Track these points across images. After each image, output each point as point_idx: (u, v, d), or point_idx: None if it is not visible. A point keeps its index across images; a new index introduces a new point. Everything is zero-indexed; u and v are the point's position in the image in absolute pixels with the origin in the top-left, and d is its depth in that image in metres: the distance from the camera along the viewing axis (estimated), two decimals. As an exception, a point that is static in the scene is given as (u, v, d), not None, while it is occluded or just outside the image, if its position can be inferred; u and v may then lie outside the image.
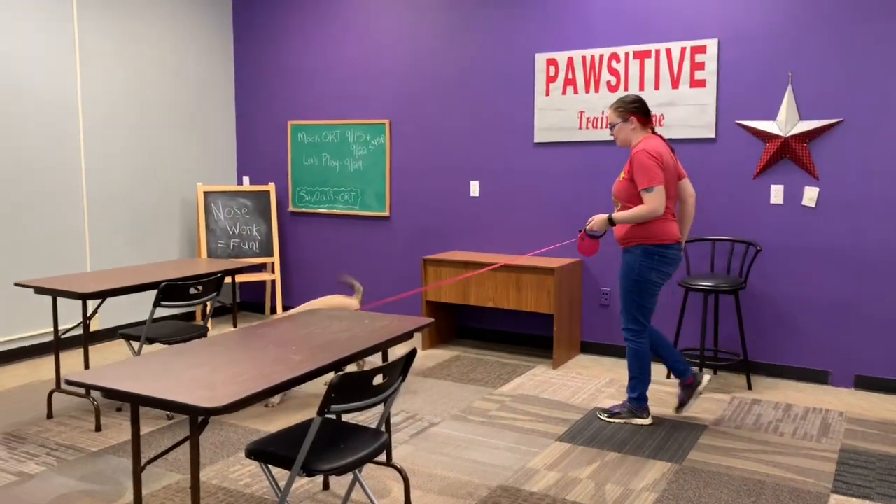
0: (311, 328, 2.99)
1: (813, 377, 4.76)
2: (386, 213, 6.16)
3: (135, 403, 2.24)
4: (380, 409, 4.17)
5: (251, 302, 6.95)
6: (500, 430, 3.95)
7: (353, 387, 2.37)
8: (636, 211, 3.79)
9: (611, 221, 3.89)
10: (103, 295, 3.92)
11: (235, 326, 4.70)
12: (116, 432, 3.93)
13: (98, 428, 3.96)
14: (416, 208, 6.05)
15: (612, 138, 4.64)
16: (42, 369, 5.08)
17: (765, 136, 4.77)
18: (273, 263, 6.55)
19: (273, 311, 6.81)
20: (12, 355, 5.23)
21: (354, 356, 2.63)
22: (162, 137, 6.23)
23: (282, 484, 3.26)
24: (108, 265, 5.84)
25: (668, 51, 4.98)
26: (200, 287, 4.22)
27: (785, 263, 4.78)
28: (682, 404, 4.12)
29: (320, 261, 6.56)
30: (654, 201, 3.74)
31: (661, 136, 3.96)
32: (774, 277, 4.82)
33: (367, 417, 4.07)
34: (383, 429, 2.85)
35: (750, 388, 4.61)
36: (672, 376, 4.85)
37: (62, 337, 5.50)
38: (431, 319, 3.13)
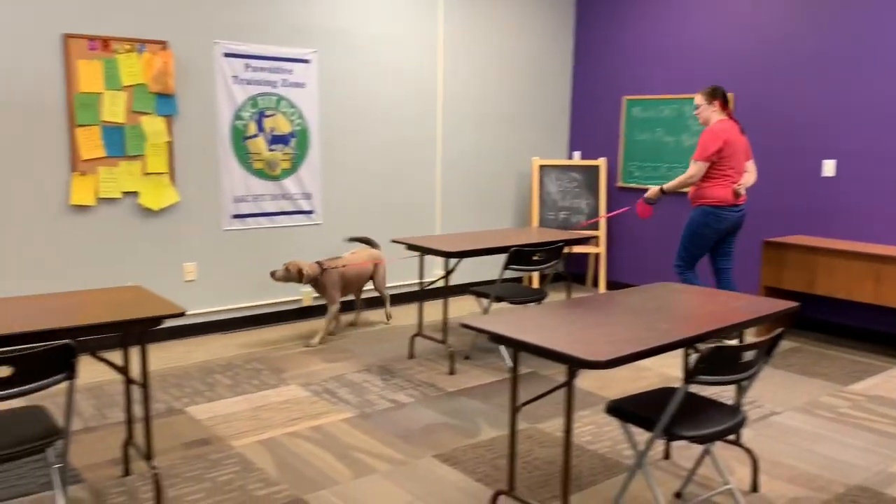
0: (663, 300, 3.05)
1: None
2: (721, 192, 5.94)
3: (517, 349, 2.50)
4: (718, 388, 4.10)
5: (572, 273, 7.19)
6: (854, 430, 3.66)
7: (722, 360, 2.39)
8: (679, 179, 4.83)
9: (662, 191, 4.93)
10: (463, 255, 4.37)
11: (569, 295, 4.92)
12: (467, 378, 4.38)
13: (451, 371, 4.46)
14: (755, 187, 5.74)
15: None
16: (399, 315, 5.81)
17: None
18: (598, 237, 6.70)
19: (595, 283, 6.98)
20: (374, 301, 6.06)
21: (721, 331, 2.63)
22: (502, 114, 6.68)
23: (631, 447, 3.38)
24: (452, 229, 6.46)
25: None
26: (544, 254, 4.49)
27: None
28: None
29: (644, 236, 6.56)
30: (693, 170, 4.72)
31: (735, 120, 4.81)
32: None
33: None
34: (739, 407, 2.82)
35: None
36: None
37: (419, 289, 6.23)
38: (795, 304, 3.00)
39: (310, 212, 5.65)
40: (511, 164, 6.82)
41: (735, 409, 2.66)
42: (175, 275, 5.05)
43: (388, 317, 5.67)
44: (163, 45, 4.79)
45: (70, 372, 2.34)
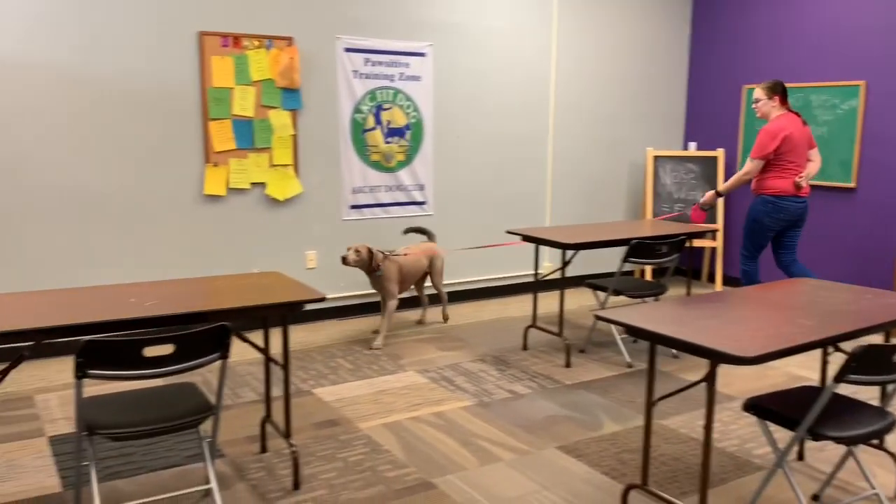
0: (805, 296, 2.93)
1: None
2: (851, 185, 5.65)
3: (655, 342, 2.47)
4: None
5: (685, 268, 7.01)
6: None
7: (875, 359, 2.28)
8: (734, 177, 4.90)
9: (718, 194, 5.01)
10: (580, 247, 4.33)
11: (689, 290, 4.81)
12: (583, 371, 4.36)
13: (567, 364, 4.44)
14: (891, 181, 5.42)
15: None
16: (510, 306, 5.84)
17: None
18: (717, 231, 6.48)
19: (711, 278, 6.78)
20: (488, 292, 6.10)
21: (870, 329, 2.51)
22: (615, 104, 6.57)
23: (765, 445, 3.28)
24: (562, 221, 6.42)
25: None
26: (665, 247, 4.40)
27: None
28: None
29: (766, 231, 6.30)
30: (749, 167, 4.79)
31: (796, 114, 4.80)
32: None
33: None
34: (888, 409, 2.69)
35: None
36: None
37: (525, 281, 6.23)
38: (950, 301, 2.82)
39: (422, 202, 5.74)
40: (624, 156, 6.70)
41: (882, 412, 2.53)
42: (297, 262, 5.25)
43: (445, 318, 5.40)
44: (289, 41, 4.97)
45: (224, 351, 2.49)
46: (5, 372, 2.46)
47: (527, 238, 4.58)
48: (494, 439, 3.39)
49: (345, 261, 4.63)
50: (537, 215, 6.30)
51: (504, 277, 6.18)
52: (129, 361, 2.30)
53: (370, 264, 4.69)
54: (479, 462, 3.16)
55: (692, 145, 6.83)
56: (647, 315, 2.59)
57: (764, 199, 4.80)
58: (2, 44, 4.18)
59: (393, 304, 4.85)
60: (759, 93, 4.84)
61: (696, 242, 6.42)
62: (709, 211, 5.10)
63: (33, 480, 2.96)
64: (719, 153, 6.49)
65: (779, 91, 4.78)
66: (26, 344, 2.39)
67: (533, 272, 6.27)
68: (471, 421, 3.60)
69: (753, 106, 4.90)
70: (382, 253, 4.79)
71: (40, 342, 2.42)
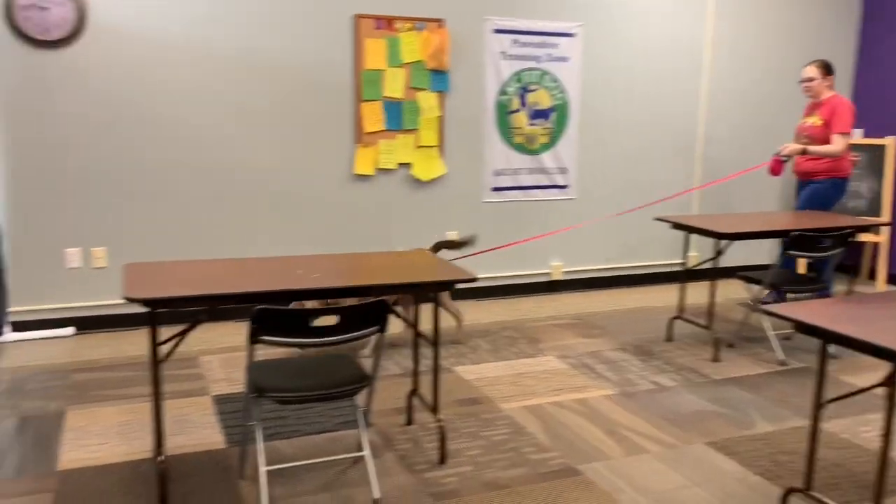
0: None
1: None
2: None
3: (829, 341, 2.32)
4: None
5: (849, 263, 6.54)
6: None
7: None
8: (827, 149, 4.75)
9: (803, 152, 4.81)
10: (736, 237, 4.13)
11: (851, 287, 4.49)
12: (732, 366, 4.17)
13: (715, 359, 4.27)
14: None
15: None
16: (650, 295, 5.67)
17: None
18: (886, 225, 6.00)
19: (872, 275, 6.30)
20: (628, 280, 5.96)
21: None
22: (772, 92, 6.18)
23: (927, 459, 3.04)
24: (710, 210, 6.15)
25: None
26: (829, 240, 4.12)
27: None
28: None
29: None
30: (842, 144, 4.72)
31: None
32: None
33: None
34: None
35: None
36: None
37: (674, 270, 6.04)
38: None
39: (564, 186, 5.67)
40: (779, 144, 6.31)
41: None
42: (438, 242, 5.33)
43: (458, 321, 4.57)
44: (440, 22, 5.02)
45: (383, 325, 2.57)
46: (184, 333, 2.66)
47: (677, 226, 4.43)
48: (640, 430, 3.32)
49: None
50: (683, 202, 6.07)
51: (644, 266, 6.01)
52: (297, 330, 2.42)
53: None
54: (624, 452, 3.10)
55: (858, 133, 6.34)
56: (817, 312, 2.43)
57: (835, 183, 4.85)
58: (179, 31, 4.48)
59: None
60: (813, 71, 4.86)
61: (863, 237, 5.97)
62: (787, 162, 4.94)
63: (201, 435, 3.19)
64: (888, 142, 5.99)
65: (832, 71, 4.87)
66: (202, 308, 2.57)
67: (676, 261, 6.06)
68: (614, 410, 3.54)
69: (805, 85, 4.89)
70: None
71: (215, 307, 2.59)
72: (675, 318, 4.63)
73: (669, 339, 4.63)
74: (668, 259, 6.07)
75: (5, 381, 3.77)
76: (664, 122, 5.88)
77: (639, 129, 5.82)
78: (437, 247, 4.39)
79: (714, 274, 4.46)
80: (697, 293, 5.58)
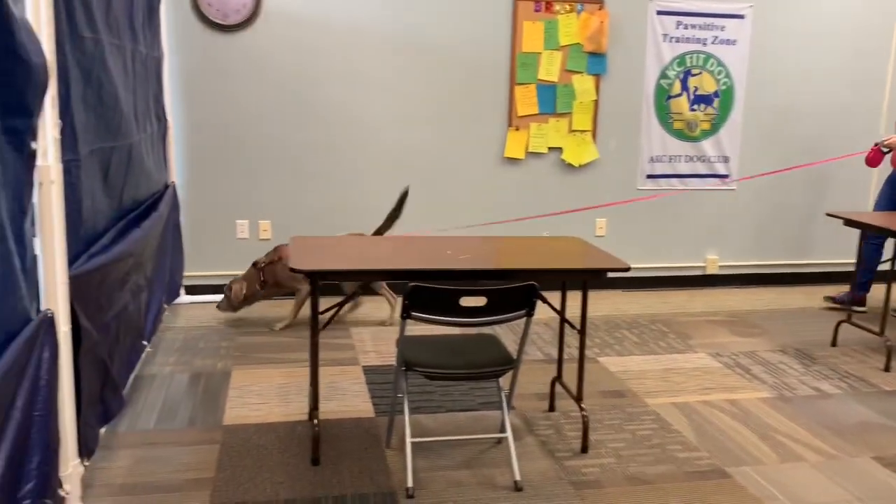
0: None
1: None
2: None
3: None
4: None
5: None
6: None
7: None
8: None
9: None
10: (920, 236, 3.77)
11: None
12: (908, 378, 3.83)
13: (887, 368, 3.93)
14: None
15: None
16: (817, 295, 5.28)
17: None
18: None
19: None
20: (794, 278, 5.59)
21: None
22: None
23: None
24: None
25: None
26: None
27: None
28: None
29: None
30: None
31: None
32: None
33: None
34: None
35: None
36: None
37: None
38: None
39: (725, 176, 5.39)
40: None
41: None
42: (587, 229, 5.24)
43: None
44: (600, 4, 4.91)
45: (530, 309, 2.57)
46: (341, 304, 2.79)
47: (849, 223, 4.10)
48: (797, 437, 3.12)
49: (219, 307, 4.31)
50: (859, 197, 5.59)
51: (812, 264, 5.62)
52: (447, 308, 2.47)
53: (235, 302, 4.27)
54: (779, 459, 2.93)
55: None
56: None
57: None
58: (345, 15, 4.67)
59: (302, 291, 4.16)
60: None
61: None
62: (887, 154, 4.65)
63: (351, 403, 3.34)
64: None
65: None
66: (359, 283, 2.69)
67: (844, 261, 5.60)
68: (769, 414, 3.35)
69: None
70: (255, 265, 4.32)
71: (369, 283, 2.70)
72: (843, 321, 4.29)
73: (834, 343, 4.30)
74: (838, 258, 5.62)
75: (180, 339, 4.12)
76: (841, 109, 5.44)
77: (812, 118, 5.41)
78: (380, 232, 4.29)
79: (893, 276, 4.09)
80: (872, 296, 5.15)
